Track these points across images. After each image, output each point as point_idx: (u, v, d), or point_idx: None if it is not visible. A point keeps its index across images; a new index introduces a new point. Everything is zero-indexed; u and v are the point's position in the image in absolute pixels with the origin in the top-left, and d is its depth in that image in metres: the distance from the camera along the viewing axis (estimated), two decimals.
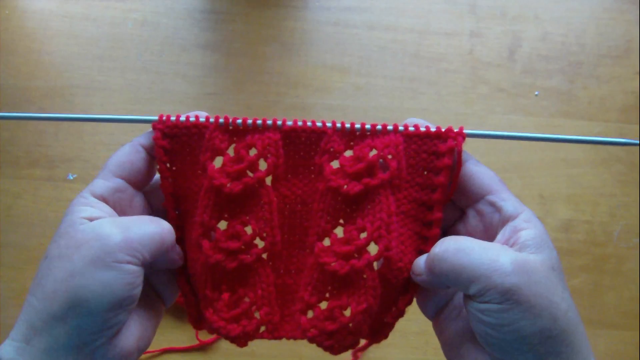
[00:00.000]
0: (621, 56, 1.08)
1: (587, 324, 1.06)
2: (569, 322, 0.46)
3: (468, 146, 0.54)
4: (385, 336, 0.55)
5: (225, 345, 0.94)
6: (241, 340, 0.53)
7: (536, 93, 1.06)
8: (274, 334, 0.54)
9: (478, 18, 1.08)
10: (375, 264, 0.51)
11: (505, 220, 0.50)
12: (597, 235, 1.02)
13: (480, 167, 0.52)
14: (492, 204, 0.51)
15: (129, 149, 0.52)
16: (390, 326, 0.55)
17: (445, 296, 0.54)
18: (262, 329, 0.53)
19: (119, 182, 0.51)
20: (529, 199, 1.02)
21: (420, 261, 0.51)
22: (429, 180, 0.53)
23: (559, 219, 1.02)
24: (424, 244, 0.53)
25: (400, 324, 0.56)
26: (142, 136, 0.53)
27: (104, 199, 0.50)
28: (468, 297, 0.47)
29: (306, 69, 1.05)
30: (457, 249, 0.47)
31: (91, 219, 0.48)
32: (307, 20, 1.07)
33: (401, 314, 0.54)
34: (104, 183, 0.51)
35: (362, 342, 0.55)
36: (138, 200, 0.53)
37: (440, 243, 0.49)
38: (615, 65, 1.08)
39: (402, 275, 0.52)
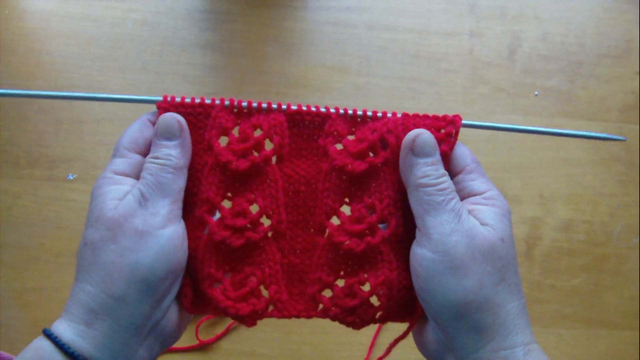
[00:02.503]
0: (621, 56, 1.08)
1: (587, 324, 1.07)
2: (496, 294, 0.46)
3: (468, 147, 0.54)
4: (418, 311, 0.52)
5: (225, 345, 0.94)
6: (250, 319, 0.52)
7: (536, 93, 1.06)
8: (283, 312, 0.53)
9: (478, 18, 1.08)
10: None
11: (467, 196, 0.52)
12: (597, 235, 1.02)
13: (458, 148, 0.54)
14: (459, 182, 0.52)
15: (139, 125, 0.52)
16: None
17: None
18: (271, 308, 0.53)
19: (138, 158, 0.51)
20: (529, 199, 1.02)
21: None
22: None
23: (559, 219, 1.02)
24: None
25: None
26: (150, 113, 0.53)
27: (126, 175, 0.50)
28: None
29: (306, 69, 1.05)
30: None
31: (120, 198, 0.48)
32: (307, 20, 1.07)
33: None
34: (124, 160, 0.51)
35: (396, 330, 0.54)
36: None
37: None
38: (615, 65, 1.08)
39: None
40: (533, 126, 0.56)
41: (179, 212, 0.50)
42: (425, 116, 0.55)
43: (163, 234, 0.47)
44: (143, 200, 0.47)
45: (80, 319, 0.45)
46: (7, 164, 0.99)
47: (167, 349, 0.52)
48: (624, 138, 0.57)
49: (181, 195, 0.50)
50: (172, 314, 0.50)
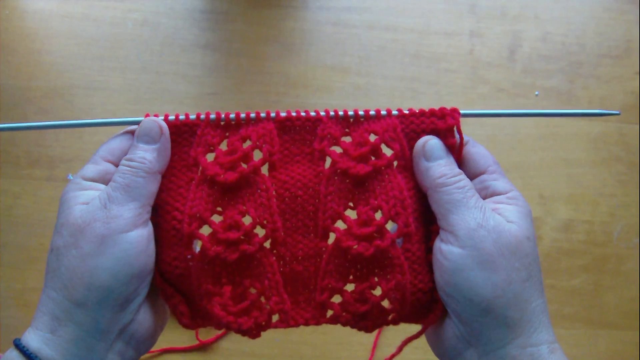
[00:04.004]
0: (621, 56, 1.08)
1: (587, 324, 1.06)
2: (524, 290, 0.47)
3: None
4: (438, 311, 0.52)
5: (225, 345, 0.94)
6: (253, 332, 0.51)
7: (536, 93, 1.06)
8: (289, 322, 0.52)
9: (478, 18, 1.08)
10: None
11: (491, 195, 0.52)
12: (597, 235, 1.02)
13: (477, 148, 0.54)
14: (482, 182, 0.52)
15: (119, 137, 0.52)
16: (434, 299, 0.52)
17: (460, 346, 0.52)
18: (275, 318, 0.52)
19: (108, 166, 0.51)
20: (529, 199, 1.01)
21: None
22: None
23: (559, 219, 1.02)
24: None
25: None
26: (134, 127, 0.53)
27: (94, 181, 0.50)
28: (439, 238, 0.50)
29: (306, 69, 1.05)
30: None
31: (87, 203, 0.48)
32: (307, 20, 1.07)
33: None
34: (94, 167, 0.51)
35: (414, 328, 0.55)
36: None
37: None
38: (615, 65, 1.08)
39: (424, 246, 0.52)
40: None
41: (147, 216, 0.49)
42: (422, 112, 0.53)
43: (125, 238, 0.46)
44: (108, 202, 0.47)
45: (45, 327, 0.46)
46: (7, 164, 0.99)
47: (144, 353, 0.51)
48: (618, 112, 0.56)
49: (151, 200, 0.50)
50: (144, 318, 0.49)
